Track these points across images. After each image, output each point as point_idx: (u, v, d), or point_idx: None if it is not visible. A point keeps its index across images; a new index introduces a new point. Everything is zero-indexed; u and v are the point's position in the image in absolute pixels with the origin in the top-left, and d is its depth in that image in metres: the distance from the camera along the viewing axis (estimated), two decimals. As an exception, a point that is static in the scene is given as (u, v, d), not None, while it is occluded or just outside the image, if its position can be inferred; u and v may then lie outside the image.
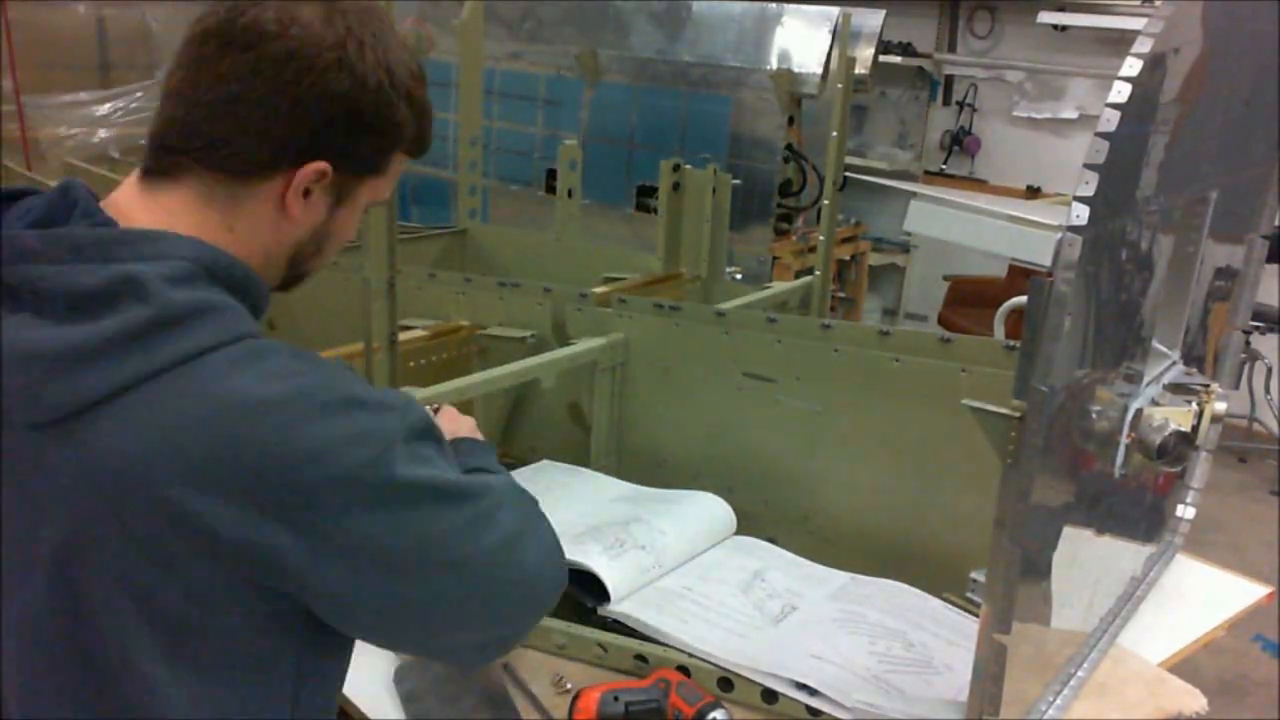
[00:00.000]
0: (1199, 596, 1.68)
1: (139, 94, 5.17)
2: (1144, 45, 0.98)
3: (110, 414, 0.82)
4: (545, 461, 1.92)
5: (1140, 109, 1.01)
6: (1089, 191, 0.96)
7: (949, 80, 6.09)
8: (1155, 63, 1.00)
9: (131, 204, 0.92)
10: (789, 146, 4.06)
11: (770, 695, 1.35)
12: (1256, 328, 4.42)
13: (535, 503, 1.05)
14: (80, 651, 0.87)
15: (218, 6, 0.91)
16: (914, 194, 3.22)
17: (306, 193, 0.94)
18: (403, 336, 1.58)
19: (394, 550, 0.87)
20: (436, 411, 1.31)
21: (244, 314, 0.89)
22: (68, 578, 0.85)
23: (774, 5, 4.10)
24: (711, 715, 1.28)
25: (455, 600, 0.92)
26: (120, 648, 0.86)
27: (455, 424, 1.28)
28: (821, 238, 2.44)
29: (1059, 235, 0.97)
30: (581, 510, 1.69)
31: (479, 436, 1.27)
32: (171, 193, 0.91)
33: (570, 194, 2.59)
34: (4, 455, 0.85)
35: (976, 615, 1.39)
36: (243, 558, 0.84)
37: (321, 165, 0.92)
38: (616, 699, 1.30)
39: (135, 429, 0.81)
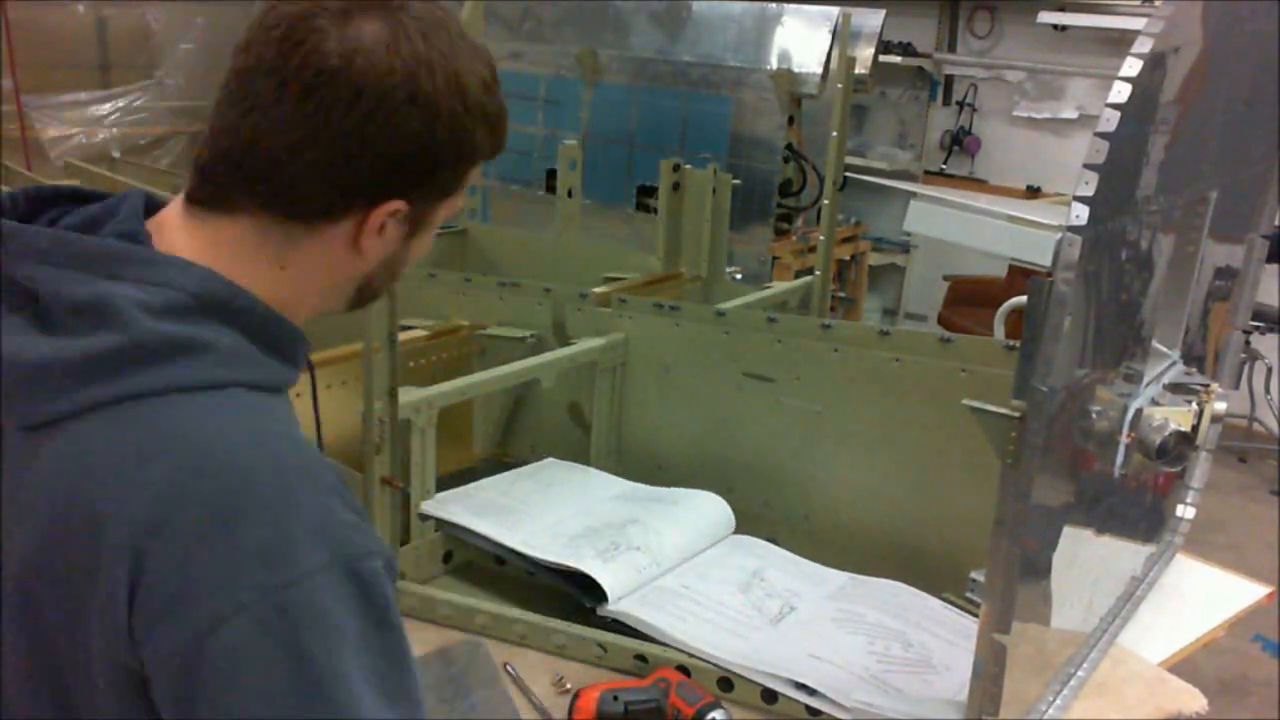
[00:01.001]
0: (1199, 596, 1.68)
1: (139, 94, 5.18)
2: (1144, 45, 0.98)
3: (68, 435, 0.77)
4: (549, 460, 1.92)
5: (1140, 109, 1.01)
6: (1089, 191, 0.96)
7: (949, 80, 6.08)
8: (1155, 63, 1.00)
9: (175, 228, 0.85)
10: (789, 146, 4.05)
11: (770, 695, 1.35)
12: (1256, 328, 4.42)
13: None
14: (47, 673, 0.79)
15: (265, 28, 0.82)
16: (914, 194, 3.23)
17: (380, 228, 0.87)
18: (403, 336, 1.58)
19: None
20: None
21: (249, 360, 0.82)
22: (28, 599, 0.78)
23: (774, 5, 4.10)
24: (711, 715, 1.28)
25: None
26: (81, 685, 0.78)
27: None
28: (821, 238, 2.44)
29: (1059, 235, 0.97)
30: (578, 510, 1.69)
31: None
32: (221, 224, 0.84)
33: (570, 194, 2.59)
34: (4, 453, 0.81)
35: (976, 615, 1.39)
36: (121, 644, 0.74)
37: (397, 205, 0.86)
38: (616, 699, 1.30)
39: (86, 455, 0.76)
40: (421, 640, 1.48)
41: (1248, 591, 1.72)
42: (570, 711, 1.31)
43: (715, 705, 1.29)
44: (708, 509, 1.74)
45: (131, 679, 0.75)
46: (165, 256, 0.82)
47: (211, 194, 0.85)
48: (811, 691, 1.33)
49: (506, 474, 1.83)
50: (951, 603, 1.56)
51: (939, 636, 1.47)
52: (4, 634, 0.81)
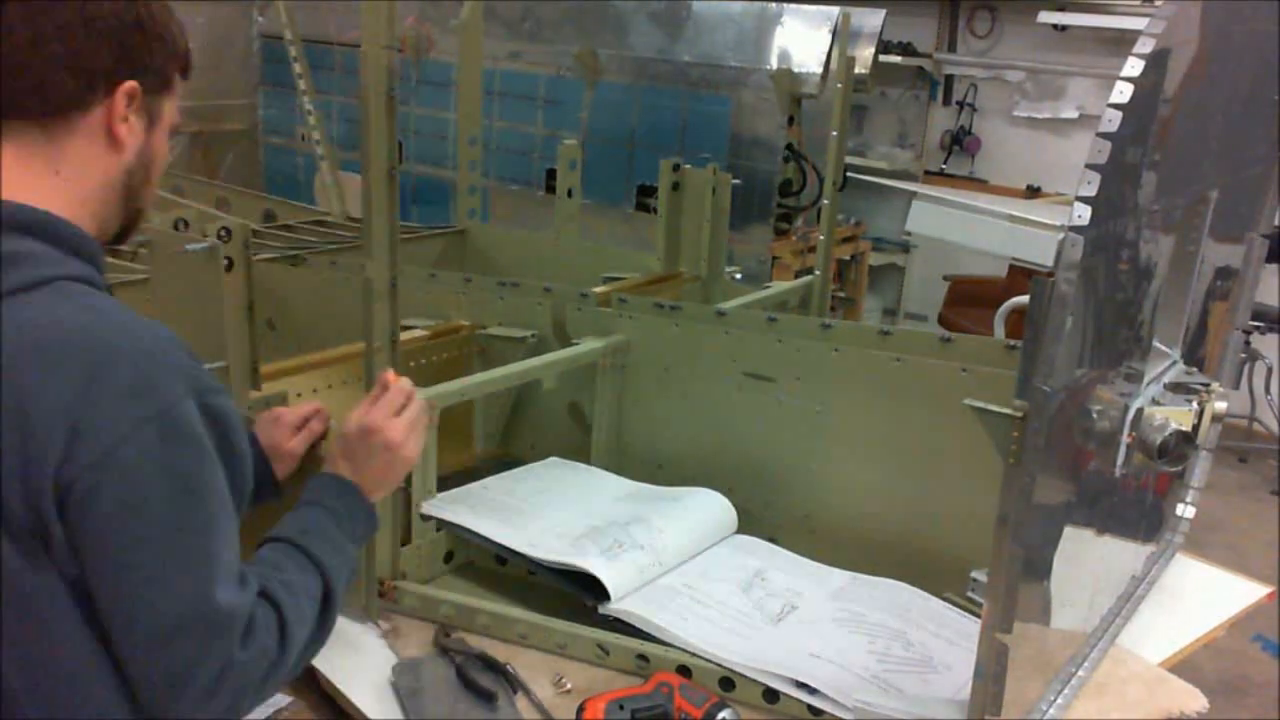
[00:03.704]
0: (1199, 596, 1.68)
1: (139, 94, 5.17)
2: (1146, 45, 0.98)
3: None
4: (552, 459, 1.92)
5: (1141, 109, 1.01)
6: (1091, 192, 0.96)
7: (949, 80, 6.09)
8: (1156, 62, 1.00)
9: None
10: (789, 146, 4.06)
11: (771, 694, 1.35)
12: (1256, 328, 4.42)
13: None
14: None
15: None
16: (915, 194, 3.23)
17: (125, 117, 1.00)
18: (403, 336, 1.58)
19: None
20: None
21: (56, 261, 0.95)
22: None
23: (774, 5, 4.10)
24: (720, 715, 1.28)
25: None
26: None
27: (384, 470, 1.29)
28: (821, 237, 2.44)
29: (1061, 235, 0.97)
30: (581, 509, 1.69)
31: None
32: None
33: (570, 194, 2.59)
34: None
35: (977, 615, 1.39)
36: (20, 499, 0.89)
37: (132, 85, 0.99)
38: (622, 707, 1.30)
39: None
40: (422, 641, 1.48)
41: (1248, 591, 1.72)
42: (576, 722, 1.30)
43: (722, 705, 1.29)
44: (711, 508, 1.74)
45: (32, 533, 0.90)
46: None
47: None
48: (813, 691, 1.33)
49: (508, 473, 1.82)
50: (953, 602, 1.56)
51: (940, 636, 1.47)
52: None
